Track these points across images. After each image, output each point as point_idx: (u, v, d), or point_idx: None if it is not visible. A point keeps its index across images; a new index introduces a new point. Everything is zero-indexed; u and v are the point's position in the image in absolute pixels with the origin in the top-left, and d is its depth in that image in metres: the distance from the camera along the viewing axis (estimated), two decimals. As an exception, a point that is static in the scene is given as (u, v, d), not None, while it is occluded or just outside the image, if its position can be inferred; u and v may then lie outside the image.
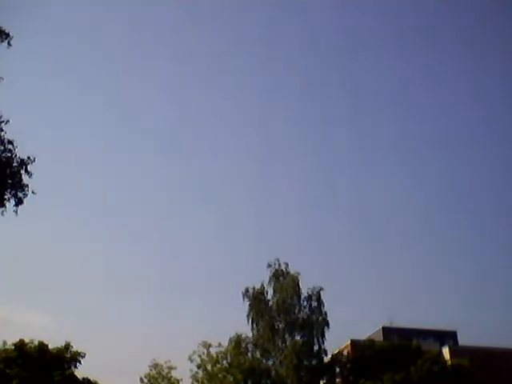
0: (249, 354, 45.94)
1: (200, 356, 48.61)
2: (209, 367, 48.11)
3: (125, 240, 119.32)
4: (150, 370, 50.87)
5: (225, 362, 47.79)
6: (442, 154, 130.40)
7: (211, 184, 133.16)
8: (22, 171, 19.33)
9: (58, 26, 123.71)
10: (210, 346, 48.79)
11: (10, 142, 19.13)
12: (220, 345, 48.42)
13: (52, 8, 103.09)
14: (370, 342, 47.71)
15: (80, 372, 45.12)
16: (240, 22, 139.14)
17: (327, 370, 45.75)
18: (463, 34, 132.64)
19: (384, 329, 62.61)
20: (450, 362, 46.80)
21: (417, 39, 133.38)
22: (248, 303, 47.19)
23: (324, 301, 46.88)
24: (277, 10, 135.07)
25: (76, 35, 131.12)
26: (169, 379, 50.49)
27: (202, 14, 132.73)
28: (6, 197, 19.34)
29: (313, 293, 47.03)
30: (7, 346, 44.39)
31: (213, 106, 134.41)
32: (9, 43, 18.90)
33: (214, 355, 48.33)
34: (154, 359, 51.22)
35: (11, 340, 44.49)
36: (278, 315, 46.51)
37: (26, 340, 44.50)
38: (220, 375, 47.17)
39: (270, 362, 45.98)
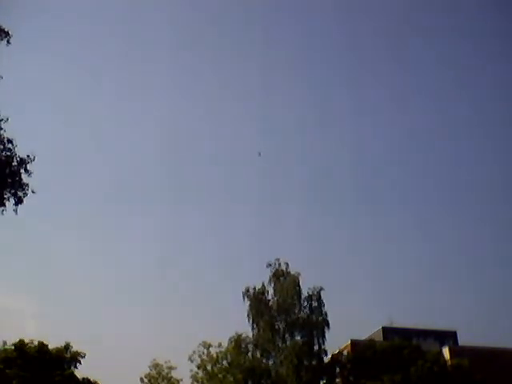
0: (249, 354, 45.91)
1: (200, 356, 48.62)
2: (209, 367, 48.10)
3: (125, 240, 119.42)
4: (150, 370, 50.92)
5: (225, 362, 47.78)
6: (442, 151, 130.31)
7: (211, 183, 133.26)
8: (22, 170, 19.31)
9: (57, 26, 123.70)
10: (210, 346, 48.81)
11: (10, 141, 19.12)
12: (220, 345, 48.46)
13: (52, 8, 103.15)
14: (370, 342, 47.63)
15: (80, 372, 45.19)
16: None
17: (327, 370, 45.71)
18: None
19: (384, 329, 62.58)
20: (449, 362, 46.74)
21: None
22: (248, 303, 47.21)
23: (324, 301, 47.02)
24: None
25: (76, 35, 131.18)
26: (169, 379, 50.49)
27: None
28: (5, 196, 19.32)
29: (313, 293, 47.01)
30: (7, 346, 44.36)
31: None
32: (8, 41, 18.91)
33: (214, 355, 48.33)
34: (154, 359, 51.30)
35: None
36: (279, 315, 46.48)
37: (26, 340, 44.50)
38: (220, 375, 47.17)
39: (270, 362, 45.94)
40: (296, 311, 46.51)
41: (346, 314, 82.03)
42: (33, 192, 19.67)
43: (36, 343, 44.36)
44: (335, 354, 48.62)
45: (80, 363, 45.17)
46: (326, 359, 46.44)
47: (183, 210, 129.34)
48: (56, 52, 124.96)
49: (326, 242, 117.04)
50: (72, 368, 44.68)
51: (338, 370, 46.23)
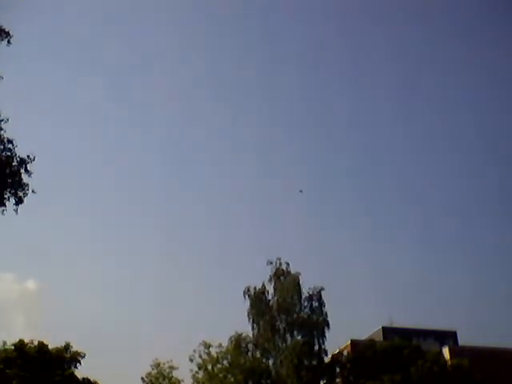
0: (249, 354, 45.85)
1: (200, 356, 48.54)
2: (209, 367, 48.02)
3: (125, 239, 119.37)
4: (152, 369, 50.83)
5: (225, 362, 47.71)
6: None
7: (212, 184, 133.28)
8: (22, 170, 19.31)
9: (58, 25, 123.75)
10: (210, 346, 48.72)
11: (10, 141, 19.13)
12: (221, 345, 48.37)
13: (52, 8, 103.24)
14: (370, 342, 47.58)
15: (80, 372, 45.13)
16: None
17: (327, 370, 45.63)
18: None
19: (384, 329, 62.58)
20: (449, 362, 46.69)
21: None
22: (249, 302, 47.14)
23: (325, 301, 46.97)
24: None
25: (76, 35, 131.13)
26: (170, 379, 50.38)
27: None
28: (6, 196, 19.33)
29: (313, 293, 46.96)
30: (7, 346, 44.32)
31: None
32: (9, 41, 18.93)
33: (215, 355, 48.25)
34: (156, 358, 51.21)
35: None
36: (279, 315, 46.41)
37: (26, 340, 44.48)
38: (220, 375, 47.09)
39: (271, 362, 45.90)
40: (296, 311, 46.46)
41: (346, 314, 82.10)
42: (33, 192, 19.69)
43: (36, 343, 44.32)
44: (335, 354, 48.61)
45: (80, 363, 45.15)
46: (326, 359, 46.38)
47: (184, 210, 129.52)
48: (56, 52, 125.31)
49: (327, 242, 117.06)
50: (72, 368, 44.62)
51: (338, 369, 46.16)
